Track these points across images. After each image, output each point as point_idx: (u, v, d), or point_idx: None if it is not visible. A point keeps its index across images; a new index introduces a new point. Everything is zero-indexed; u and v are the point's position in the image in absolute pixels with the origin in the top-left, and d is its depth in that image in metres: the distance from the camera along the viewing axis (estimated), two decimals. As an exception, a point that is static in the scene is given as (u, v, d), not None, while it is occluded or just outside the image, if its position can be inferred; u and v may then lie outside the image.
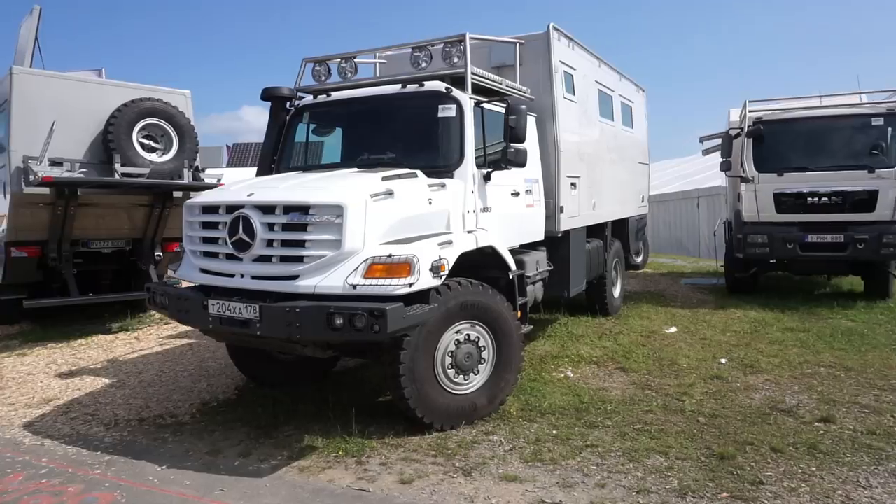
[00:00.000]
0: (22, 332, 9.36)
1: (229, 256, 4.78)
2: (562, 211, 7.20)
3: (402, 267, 4.41)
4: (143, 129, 9.05)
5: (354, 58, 6.26)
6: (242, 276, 4.70)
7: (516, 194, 6.30)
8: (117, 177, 8.51)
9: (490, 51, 7.20)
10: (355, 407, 5.49)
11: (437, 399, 5.04)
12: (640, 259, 17.50)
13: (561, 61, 7.23)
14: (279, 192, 4.81)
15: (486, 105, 5.74)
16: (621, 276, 10.19)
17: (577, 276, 7.79)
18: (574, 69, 7.70)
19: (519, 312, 6.00)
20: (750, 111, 10.39)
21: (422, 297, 4.61)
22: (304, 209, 4.51)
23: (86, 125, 8.78)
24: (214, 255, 4.89)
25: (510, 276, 5.88)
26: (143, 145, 9.11)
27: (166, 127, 9.22)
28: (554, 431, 5.06)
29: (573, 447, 4.75)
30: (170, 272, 8.00)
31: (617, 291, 10.01)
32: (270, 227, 4.58)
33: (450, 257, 4.80)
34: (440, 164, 5.44)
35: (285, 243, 4.55)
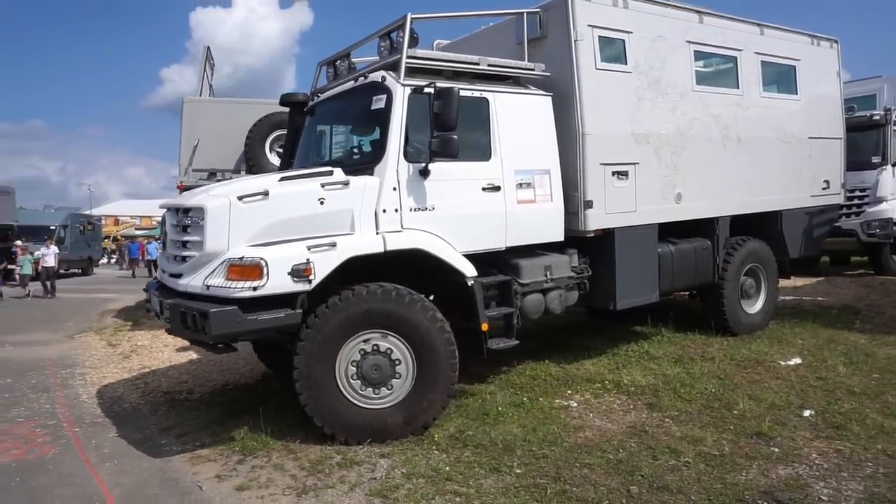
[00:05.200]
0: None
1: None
2: (590, 206, 5.97)
3: (253, 269, 4.31)
4: (277, 139, 10.36)
5: (348, 55, 6.20)
6: (166, 272, 5.16)
7: (495, 189, 5.47)
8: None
9: (515, 27, 6.36)
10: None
11: (339, 410, 4.78)
12: (905, 262, 13.19)
13: (592, 25, 5.95)
14: (185, 196, 5.13)
15: (431, 91, 5.10)
16: (766, 286, 7.88)
17: (632, 285, 6.34)
18: (629, 31, 6.26)
19: (485, 325, 5.28)
20: None
21: (286, 301, 4.43)
22: (186, 212, 4.75)
23: (235, 139, 10.44)
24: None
25: (469, 284, 5.19)
26: (279, 154, 10.43)
27: (295, 136, 10.37)
28: (447, 468, 4.34)
29: (435, 490, 4.03)
30: None
31: (754, 306, 7.79)
32: (174, 227, 4.94)
33: (323, 261, 4.48)
34: (364, 159, 5.08)
35: (181, 244, 4.85)
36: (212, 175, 10.35)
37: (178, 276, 4.77)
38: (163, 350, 8.73)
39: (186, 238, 4.71)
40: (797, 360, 6.44)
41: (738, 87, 7.32)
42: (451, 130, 4.81)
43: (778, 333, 7.58)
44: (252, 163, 10.15)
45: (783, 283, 10.67)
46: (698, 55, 6.93)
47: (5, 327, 11.54)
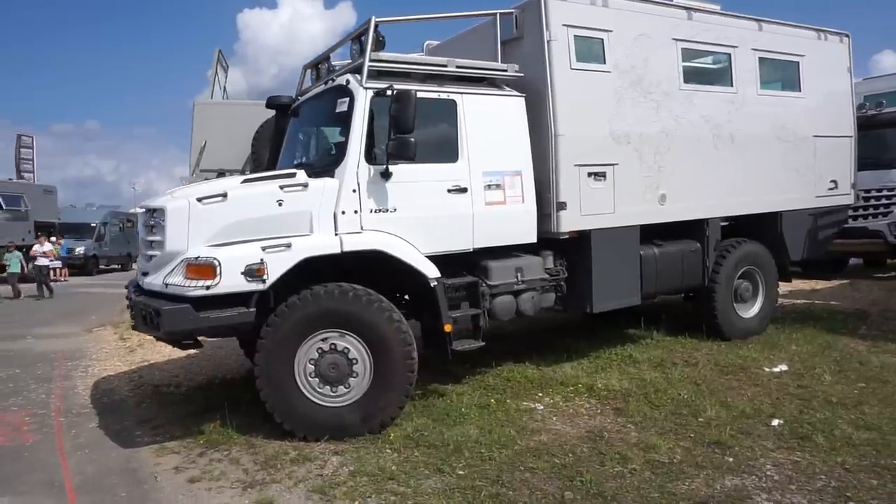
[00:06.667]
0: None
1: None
2: (563, 208, 5.90)
3: (206, 269, 4.45)
4: (282, 140, 10.57)
5: (328, 59, 6.30)
6: (139, 271, 5.36)
7: (461, 190, 5.47)
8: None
9: (495, 27, 6.33)
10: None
11: (297, 406, 4.88)
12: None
13: (567, 25, 5.87)
14: (153, 198, 5.31)
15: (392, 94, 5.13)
16: (764, 290, 7.62)
17: (611, 287, 6.24)
18: (608, 30, 6.15)
19: (448, 326, 5.30)
20: None
21: (240, 299, 4.55)
22: (152, 212, 4.93)
23: (244, 141, 10.69)
24: (144, 253, 5.66)
25: (431, 285, 5.22)
26: (286, 154, 10.67)
27: (301, 137, 10.58)
28: (393, 467, 4.39)
29: (375, 489, 4.09)
30: None
31: (750, 310, 7.55)
32: (144, 227, 5.13)
33: (277, 261, 4.58)
34: (328, 161, 5.17)
35: (148, 243, 5.03)
36: (220, 175, 10.61)
37: (147, 274, 4.96)
38: (166, 345, 9.02)
39: (152, 238, 4.89)
40: (783, 367, 6.23)
41: (732, 85, 7.10)
42: (409, 133, 4.84)
43: (773, 338, 7.34)
44: (258, 163, 10.35)
45: (799, 285, 10.39)
46: (687, 53, 6.76)
47: (32, 321, 12.15)
